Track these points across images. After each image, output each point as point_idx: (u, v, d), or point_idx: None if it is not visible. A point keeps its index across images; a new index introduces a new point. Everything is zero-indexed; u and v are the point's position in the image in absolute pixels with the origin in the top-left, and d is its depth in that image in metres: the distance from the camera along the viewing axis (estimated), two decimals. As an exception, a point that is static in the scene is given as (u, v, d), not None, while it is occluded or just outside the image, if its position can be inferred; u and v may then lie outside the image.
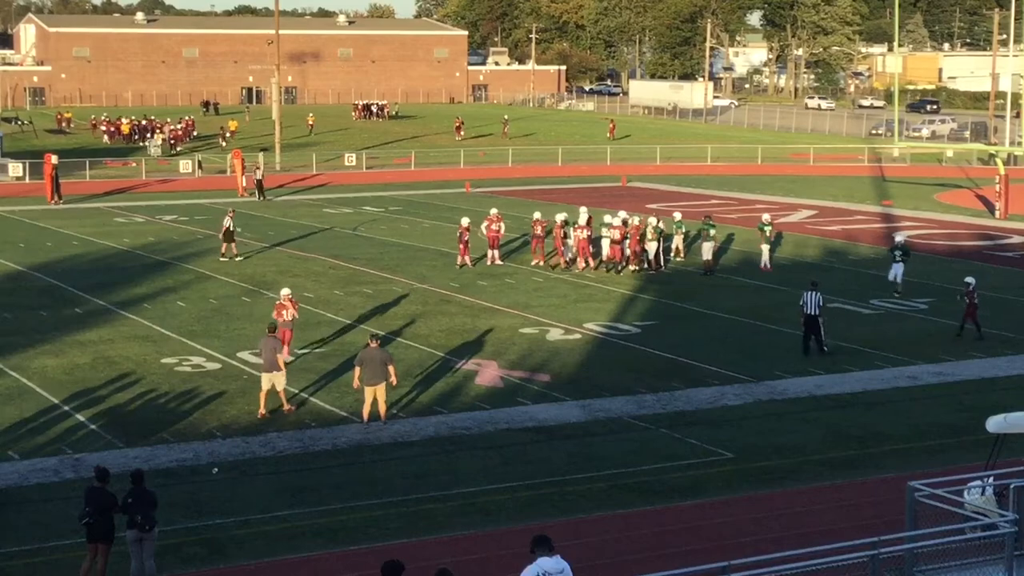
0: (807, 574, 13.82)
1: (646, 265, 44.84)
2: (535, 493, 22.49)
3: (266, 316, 36.65)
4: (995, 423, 18.37)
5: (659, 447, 25.28)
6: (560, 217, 46.23)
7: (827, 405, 28.50)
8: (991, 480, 17.52)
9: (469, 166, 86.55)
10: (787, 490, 22.91)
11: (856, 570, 14.26)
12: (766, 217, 46.94)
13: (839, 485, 23.20)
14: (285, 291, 30.80)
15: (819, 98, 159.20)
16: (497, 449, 25.03)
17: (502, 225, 46.33)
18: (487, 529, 20.76)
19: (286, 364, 27.99)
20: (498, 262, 46.00)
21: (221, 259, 46.66)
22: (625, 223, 45.19)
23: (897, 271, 40.75)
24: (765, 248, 45.87)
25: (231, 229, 47.16)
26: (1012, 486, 15.98)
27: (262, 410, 27.13)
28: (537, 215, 46.90)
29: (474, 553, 19.51)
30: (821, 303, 33.11)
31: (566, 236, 45.65)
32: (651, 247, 45.05)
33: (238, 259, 46.78)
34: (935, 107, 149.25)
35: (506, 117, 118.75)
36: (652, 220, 46.18)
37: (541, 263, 45.69)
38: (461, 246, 45.46)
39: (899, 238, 41.81)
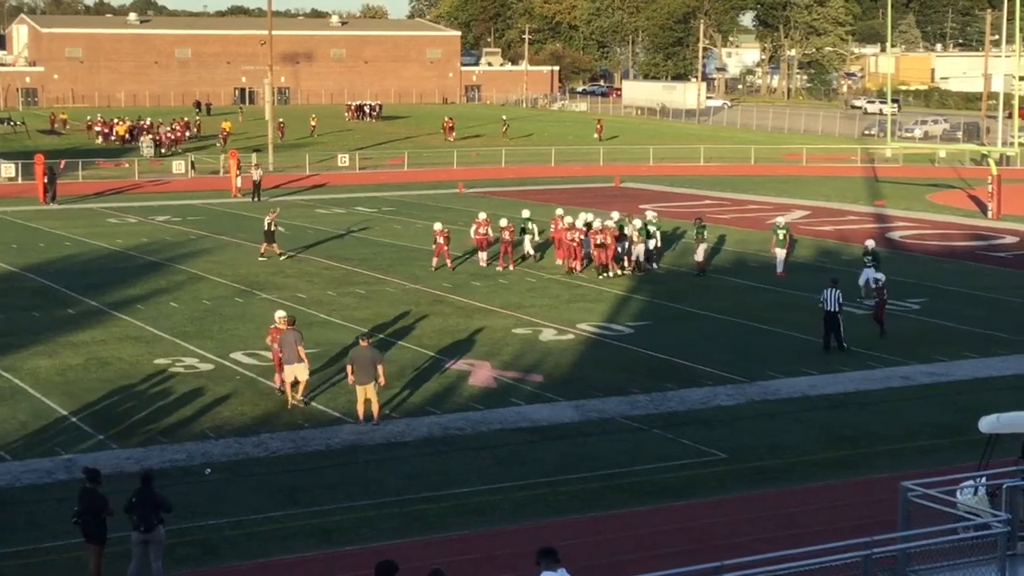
0: (800, 574, 13.84)
1: (635, 267, 44.57)
2: (529, 493, 22.50)
3: (259, 316, 36.70)
4: (988, 423, 18.38)
5: (652, 447, 25.29)
6: (570, 220, 45.55)
7: (820, 405, 28.52)
8: (984, 480, 17.54)
9: (462, 167, 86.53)
10: (780, 490, 22.94)
11: (849, 570, 14.28)
12: (780, 220, 46.21)
13: (832, 485, 23.22)
14: (280, 313, 29.36)
15: (868, 101, 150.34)
16: (490, 449, 25.04)
17: (490, 228, 46.02)
18: (481, 529, 20.77)
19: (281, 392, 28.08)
20: (483, 264, 45.77)
21: (260, 259, 46.97)
22: (589, 225, 44.48)
23: (868, 276, 40.06)
24: (779, 252, 44.53)
25: (272, 229, 47.25)
26: (1005, 486, 16.00)
27: (290, 400, 27.64)
28: (504, 221, 46.21)
29: (468, 553, 19.52)
30: (841, 300, 33.29)
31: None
32: (638, 249, 44.74)
33: (282, 258, 47.14)
34: (896, 101, 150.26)
35: (504, 118, 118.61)
36: (637, 222, 45.88)
37: (511, 267, 45.23)
38: (435, 248, 45.11)
39: (870, 244, 41.42)
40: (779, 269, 44.37)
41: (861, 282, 39.99)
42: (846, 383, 30.33)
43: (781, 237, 44.54)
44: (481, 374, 30.66)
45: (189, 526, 20.46)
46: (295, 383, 27.80)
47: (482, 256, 46.15)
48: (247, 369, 30.89)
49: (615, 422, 26.99)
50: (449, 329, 35.53)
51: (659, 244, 46.69)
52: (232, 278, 43.30)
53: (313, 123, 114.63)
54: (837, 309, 33.18)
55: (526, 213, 47.85)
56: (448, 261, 45.26)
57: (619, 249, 44.11)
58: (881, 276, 36.63)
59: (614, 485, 23.00)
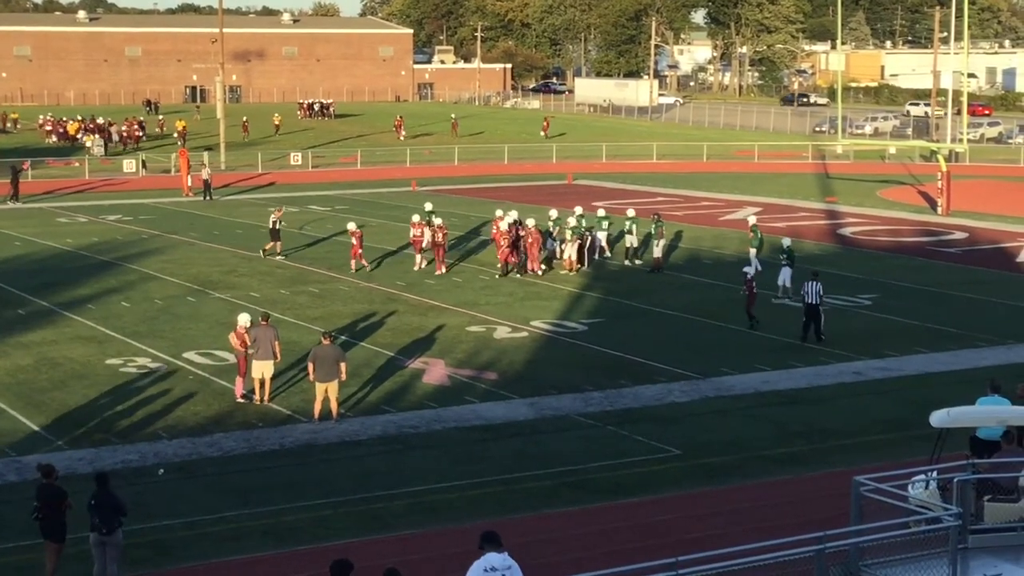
0: (754, 569, 13.90)
1: (579, 263, 44.49)
2: (483, 491, 22.51)
3: (212, 316, 36.57)
4: (938, 417, 18.52)
5: (607, 444, 25.34)
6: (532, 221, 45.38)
7: (773, 401, 28.66)
8: (935, 474, 17.68)
9: (415, 164, 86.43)
10: (734, 486, 23.04)
11: (802, 564, 14.35)
12: (752, 220, 46.27)
13: (785, 480, 23.35)
14: (244, 316, 28.60)
15: (924, 104, 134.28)
16: (445, 448, 25.03)
17: (425, 230, 45.31)
18: (435, 528, 20.76)
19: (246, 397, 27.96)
20: (418, 267, 44.87)
21: (267, 257, 46.63)
22: (519, 224, 43.98)
23: (785, 275, 39.63)
24: (751, 251, 44.36)
25: (278, 228, 47.02)
26: (956, 480, 16.12)
27: (256, 398, 27.71)
28: (439, 221, 45.43)
29: (422, 552, 19.49)
30: (821, 292, 33.94)
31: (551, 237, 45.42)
32: (570, 248, 44.43)
33: (278, 258, 46.58)
34: (805, 99, 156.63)
35: (454, 116, 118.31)
36: (571, 220, 45.77)
37: (444, 271, 44.26)
38: (352, 249, 44.34)
39: (786, 242, 41.34)
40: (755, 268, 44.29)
41: (779, 281, 39.81)
42: (798, 379, 30.49)
43: (749, 237, 44.84)
44: (435, 372, 30.63)
45: (142, 527, 20.31)
46: (262, 380, 27.78)
47: (417, 259, 45.32)
48: (200, 369, 30.75)
49: (569, 419, 27.02)
50: (403, 327, 35.48)
51: (636, 243, 46.37)
52: (184, 277, 43.06)
53: (277, 122, 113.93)
54: (818, 301, 33.75)
55: (428, 206, 47.29)
56: (364, 262, 44.39)
57: (544, 249, 44.20)
58: (749, 269, 37.33)
59: (568, 482, 23.04)
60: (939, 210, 62.66)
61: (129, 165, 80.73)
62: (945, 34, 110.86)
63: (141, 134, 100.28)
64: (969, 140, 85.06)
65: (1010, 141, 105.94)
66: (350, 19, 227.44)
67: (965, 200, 64.67)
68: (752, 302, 35.74)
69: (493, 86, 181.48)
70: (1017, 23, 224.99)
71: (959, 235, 55.42)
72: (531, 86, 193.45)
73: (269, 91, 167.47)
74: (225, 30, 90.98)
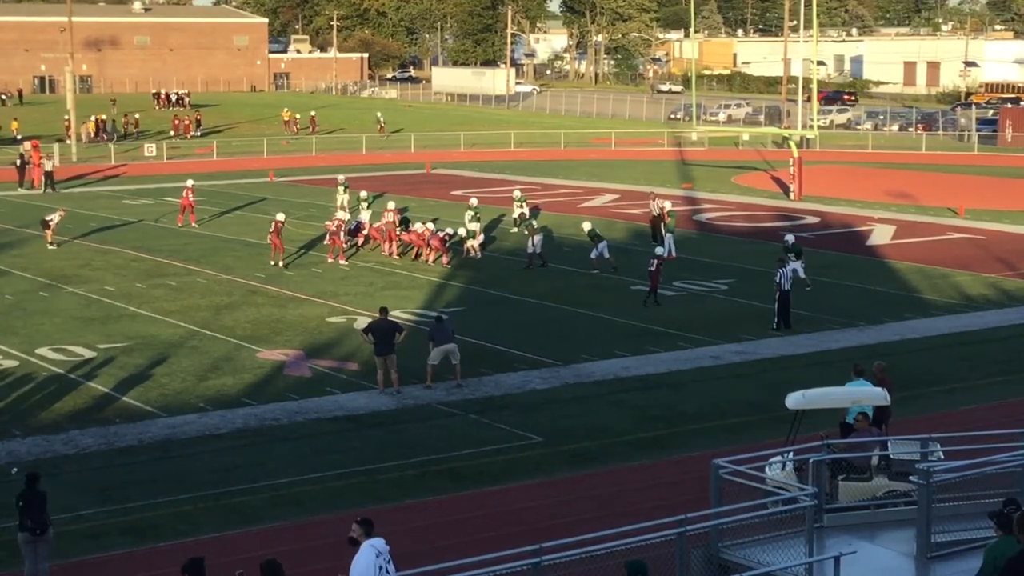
0: (617, 553, 14.03)
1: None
2: (346, 482, 22.44)
3: (65, 311, 35.84)
4: (794, 399, 18.89)
5: (469, 433, 25.42)
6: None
7: (633, 386, 28.95)
8: (791, 455, 18.03)
9: (272, 155, 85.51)
10: (596, 472, 23.26)
11: (664, 547, 14.52)
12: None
13: (646, 465, 23.63)
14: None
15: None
16: (307, 439, 24.91)
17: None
18: (299, 520, 20.66)
19: None
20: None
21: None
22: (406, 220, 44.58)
23: (797, 268, 38.70)
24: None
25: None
26: (811, 460, 16.44)
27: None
28: (342, 215, 45.52)
29: (286, 544, 19.35)
30: (791, 279, 35.13)
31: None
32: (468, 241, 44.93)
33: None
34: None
35: (302, 115, 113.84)
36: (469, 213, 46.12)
37: (341, 261, 44.07)
38: (277, 242, 43.27)
39: (790, 238, 41.22)
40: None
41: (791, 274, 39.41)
42: (658, 364, 30.84)
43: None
44: (296, 364, 30.43)
45: (-3, 528, 19.90)
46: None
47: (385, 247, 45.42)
48: (54, 365, 30.15)
49: (431, 408, 27.06)
50: (263, 319, 35.17)
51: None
52: (36, 272, 42.13)
53: (287, 118, 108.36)
54: (789, 288, 34.71)
55: (280, 215, 45.83)
56: (274, 254, 43.67)
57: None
58: (661, 250, 39.01)
59: (432, 471, 23.07)
60: (791, 195, 63.78)
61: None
62: (795, 22, 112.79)
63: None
64: (819, 126, 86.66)
65: (858, 127, 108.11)
66: (203, 8, 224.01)
67: (816, 185, 65.87)
68: (655, 280, 36.96)
69: (350, 75, 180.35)
70: (864, 12, 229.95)
71: (811, 219, 56.45)
72: (388, 75, 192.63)
73: (121, 81, 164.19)
74: (74, 18, 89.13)
